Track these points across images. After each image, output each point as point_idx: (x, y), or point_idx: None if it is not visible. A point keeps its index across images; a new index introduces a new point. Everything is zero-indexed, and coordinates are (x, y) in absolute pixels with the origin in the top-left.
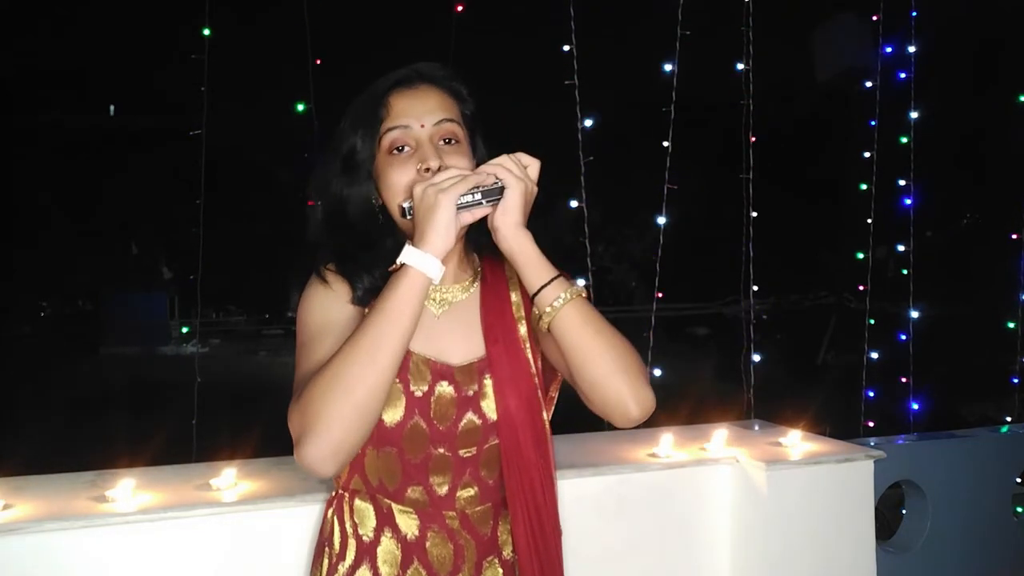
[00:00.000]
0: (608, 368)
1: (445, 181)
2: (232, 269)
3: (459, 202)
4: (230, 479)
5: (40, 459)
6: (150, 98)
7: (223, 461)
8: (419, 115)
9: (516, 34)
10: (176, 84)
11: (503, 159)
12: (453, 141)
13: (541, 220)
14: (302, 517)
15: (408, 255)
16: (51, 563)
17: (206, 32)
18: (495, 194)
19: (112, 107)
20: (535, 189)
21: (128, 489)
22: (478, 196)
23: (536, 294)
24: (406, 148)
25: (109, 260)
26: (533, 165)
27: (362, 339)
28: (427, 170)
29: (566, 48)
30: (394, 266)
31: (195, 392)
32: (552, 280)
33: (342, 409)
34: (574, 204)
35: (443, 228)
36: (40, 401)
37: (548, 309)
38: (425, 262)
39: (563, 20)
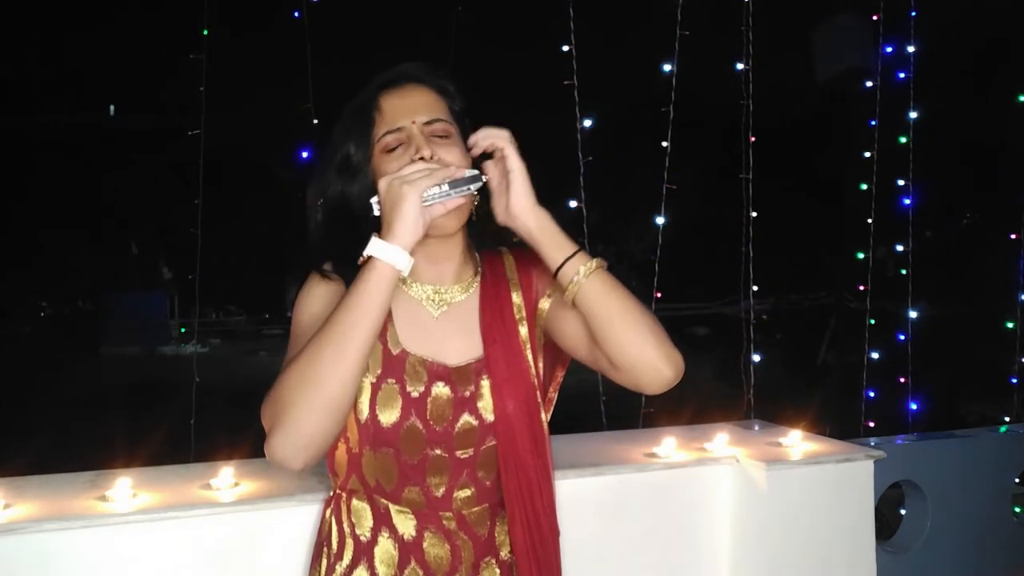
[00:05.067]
0: (638, 331)
1: (412, 174)
2: (232, 269)
3: (427, 195)
4: (229, 479)
5: (40, 459)
6: (150, 98)
7: (222, 461)
8: (410, 114)
9: (515, 34)
10: (176, 84)
11: (503, 134)
12: (445, 136)
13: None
14: (301, 517)
15: (374, 247)
16: (51, 563)
17: (205, 32)
18: (463, 184)
19: (112, 107)
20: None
21: (127, 489)
22: (445, 188)
23: (559, 268)
24: (400, 147)
25: (109, 260)
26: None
27: (329, 332)
28: (420, 159)
29: (565, 48)
30: (362, 259)
31: (194, 392)
32: (574, 254)
33: (310, 402)
34: (574, 204)
35: (409, 220)
36: (40, 401)
37: (574, 279)
38: (391, 254)
39: (563, 21)
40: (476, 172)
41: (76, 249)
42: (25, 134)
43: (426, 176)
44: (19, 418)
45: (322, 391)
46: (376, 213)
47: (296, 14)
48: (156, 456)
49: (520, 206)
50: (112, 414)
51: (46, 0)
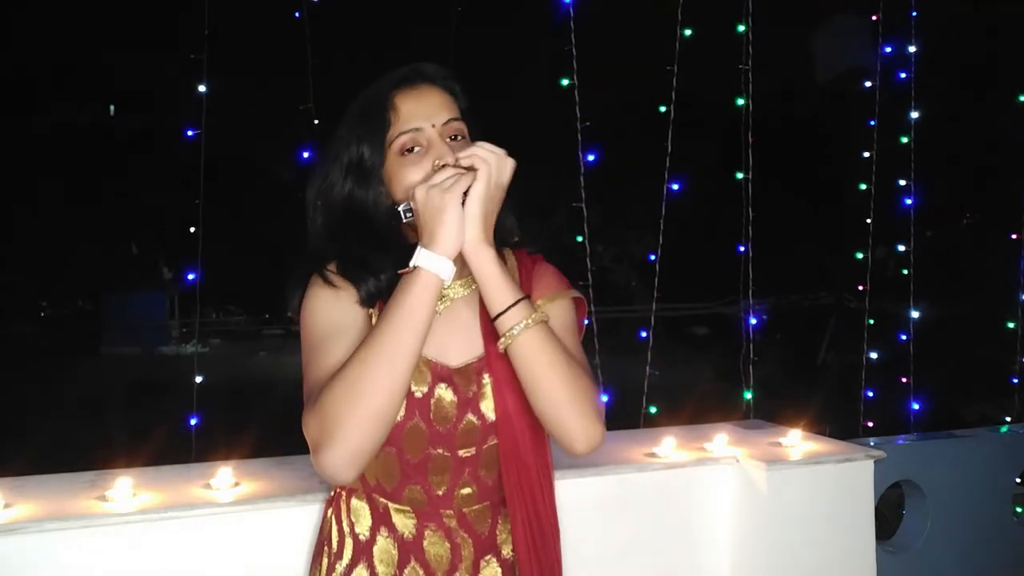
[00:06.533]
0: (558, 400)
1: (446, 180)
2: (232, 269)
3: None
4: (229, 479)
5: (40, 459)
6: (150, 98)
7: (222, 461)
8: (428, 116)
9: (516, 34)
10: (176, 84)
11: (484, 157)
12: (460, 137)
13: (540, 221)
14: (302, 517)
15: (421, 258)
16: (51, 563)
17: (206, 32)
18: None
19: (112, 107)
20: (501, 187)
21: (127, 489)
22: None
23: (496, 317)
24: (417, 148)
25: (109, 260)
26: (508, 165)
27: (379, 344)
28: (443, 166)
29: (566, 48)
30: (405, 269)
31: (194, 392)
32: (514, 304)
33: (362, 415)
34: (574, 204)
35: (454, 228)
36: (40, 401)
37: (506, 334)
38: (438, 264)
39: (563, 20)
40: None
41: (76, 249)
42: (25, 134)
43: (460, 180)
44: (19, 418)
45: (373, 404)
46: (405, 220)
47: (296, 15)
48: (156, 456)
49: (465, 237)
50: (112, 414)
51: (47, 0)
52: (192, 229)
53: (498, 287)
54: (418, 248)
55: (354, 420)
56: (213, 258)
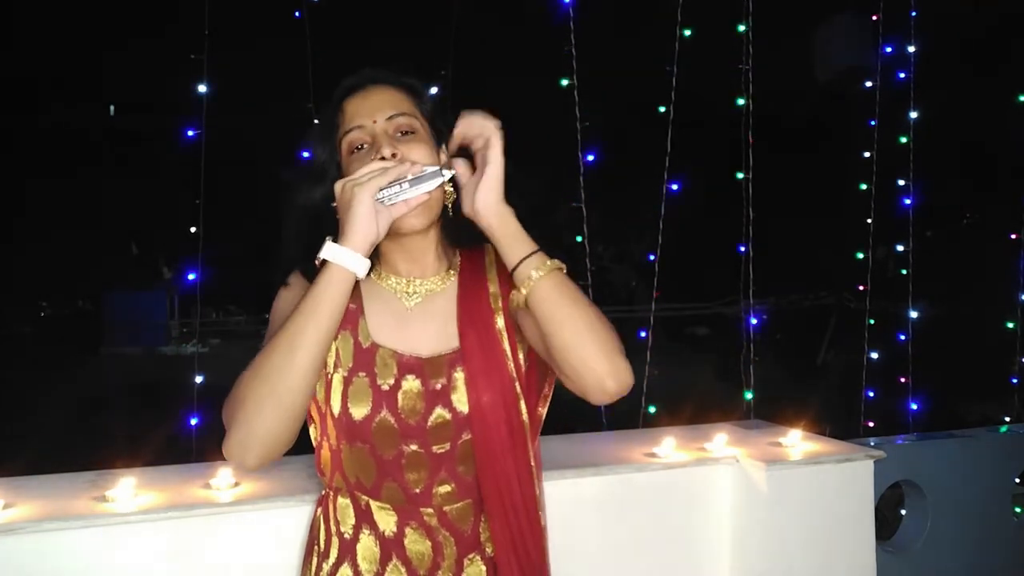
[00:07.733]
0: (582, 337)
1: (363, 175)
2: (232, 269)
3: (385, 195)
4: (229, 479)
5: (40, 459)
6: (150, 98)
7: (222, 461)
8: (370, 112)
9: (516, 33)
10: (176, 84)
11: (492, 125)
12: (410, 132)
13: (541, 220)
14: (301, 517)
15: (326, 251)
16: (51, 563)
17: (207, 32)
18: (425, 180)
19: (112, 107)
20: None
21: (128, 489)
22: (406, 186)
23: (515, 268)
24: (364, 146)
25: (109, 260)
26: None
27: (282, 335)
28: (382, 158)
29: (566, 49)
30: (317, 262)
31: (195, 392)
32: (531, 254)
33: (260, 403)
34: (574, 204)
35: (361, 222)
36: (40, 401)
37: (526, 281)
38: (343, 257)
39: (563, 20)
40: (436, 168)
41: (76, 249)
42: (25, 134)
43: (378, 175)
44: (19, 418)
45: (271, 392)
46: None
47: (297, 14)
48: (156, 456)
49: (485, 201)
50: (112, 414)
51: (47, 1)
52: (192, 229)
53: (516, 240)
54: (327, 241)
55: (253, 407)
56: (213, 258)
